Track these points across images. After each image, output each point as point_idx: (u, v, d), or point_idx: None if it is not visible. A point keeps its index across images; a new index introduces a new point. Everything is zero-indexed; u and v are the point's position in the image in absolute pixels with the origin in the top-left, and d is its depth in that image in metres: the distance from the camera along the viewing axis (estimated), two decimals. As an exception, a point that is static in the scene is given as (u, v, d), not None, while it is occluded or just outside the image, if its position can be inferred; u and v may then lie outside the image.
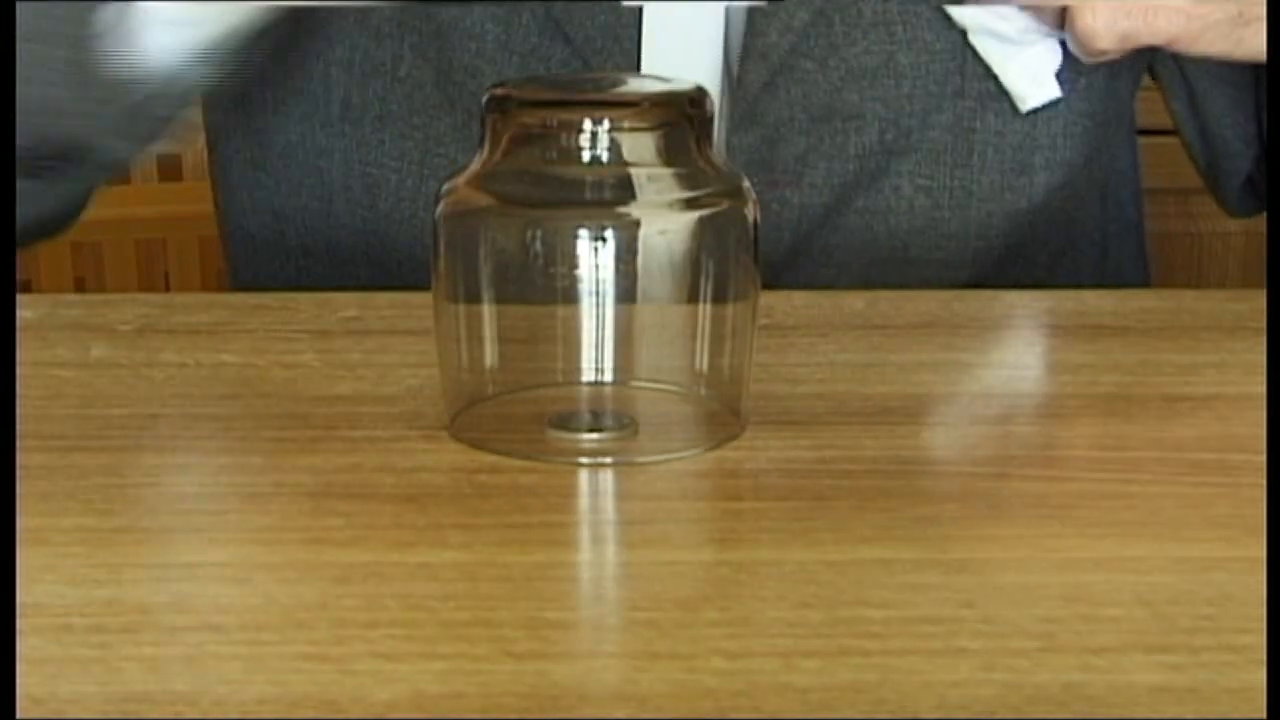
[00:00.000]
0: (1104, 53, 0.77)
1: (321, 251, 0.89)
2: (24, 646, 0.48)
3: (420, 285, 0.78)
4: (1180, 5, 0.77)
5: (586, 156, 0.60)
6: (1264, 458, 0.59)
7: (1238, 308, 0.74)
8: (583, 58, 0.83)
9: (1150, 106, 0.95)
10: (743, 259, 0.61)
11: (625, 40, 0.82)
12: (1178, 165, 0.95)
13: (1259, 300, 0.75)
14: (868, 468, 0.59)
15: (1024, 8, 0.81)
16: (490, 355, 0.62)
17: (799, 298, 0.78)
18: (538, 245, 0.60)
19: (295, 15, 0.79)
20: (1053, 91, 0.85)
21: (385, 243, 0.87)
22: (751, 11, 0.83)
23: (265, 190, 0.90)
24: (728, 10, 0.84)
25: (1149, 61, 0.91)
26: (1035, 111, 0.86)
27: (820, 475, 0.59)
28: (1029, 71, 0.85)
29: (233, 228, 0.93)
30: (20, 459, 0.59)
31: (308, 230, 0.89)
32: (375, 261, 0.88)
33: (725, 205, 0.61)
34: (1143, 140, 1.00)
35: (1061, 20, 0.79)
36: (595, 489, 0.59)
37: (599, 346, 0.62)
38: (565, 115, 0.60)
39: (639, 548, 0.54)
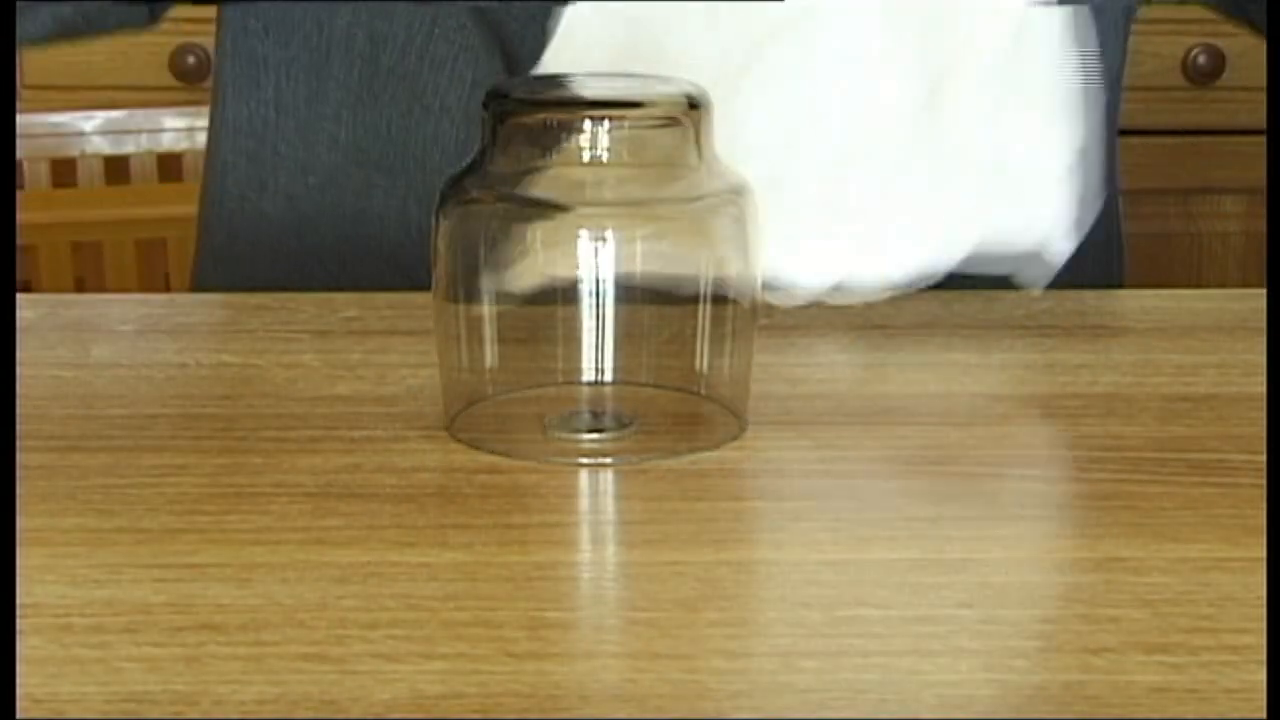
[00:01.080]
0: None
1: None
2: (24, 646, 0.48)
3: (402, 285, 0.78)
4: None
5: (586, 156, 0.60)
6: (1264, 458, 0.59)
7: (1238, 308, 0.74)
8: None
9: (1151, 107, 0.95)
10: (743, 259, 0.61)
11: None
12: (1178, 165, 0.96)
13: (1259, 300, 0.76)
14: (868, 468, 0.60)
15: None
16: (490, 355, 0.62)
17: (799, 298, 0.78)
18: (538, 245, 0.60)
19: None
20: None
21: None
22: None
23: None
24: None
25: None
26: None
27: (820, 475, 0.59)
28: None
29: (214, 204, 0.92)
30: (20, 459, 0.59)
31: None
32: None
33: (725, 205, 0.61)
34: (1142, 140, 1.00)
35: None
36: (595, 489, 0.59)
37: (599, 346, 0.62)
38: (565, 115, 0.60)
39: (639, 548, 0.54)
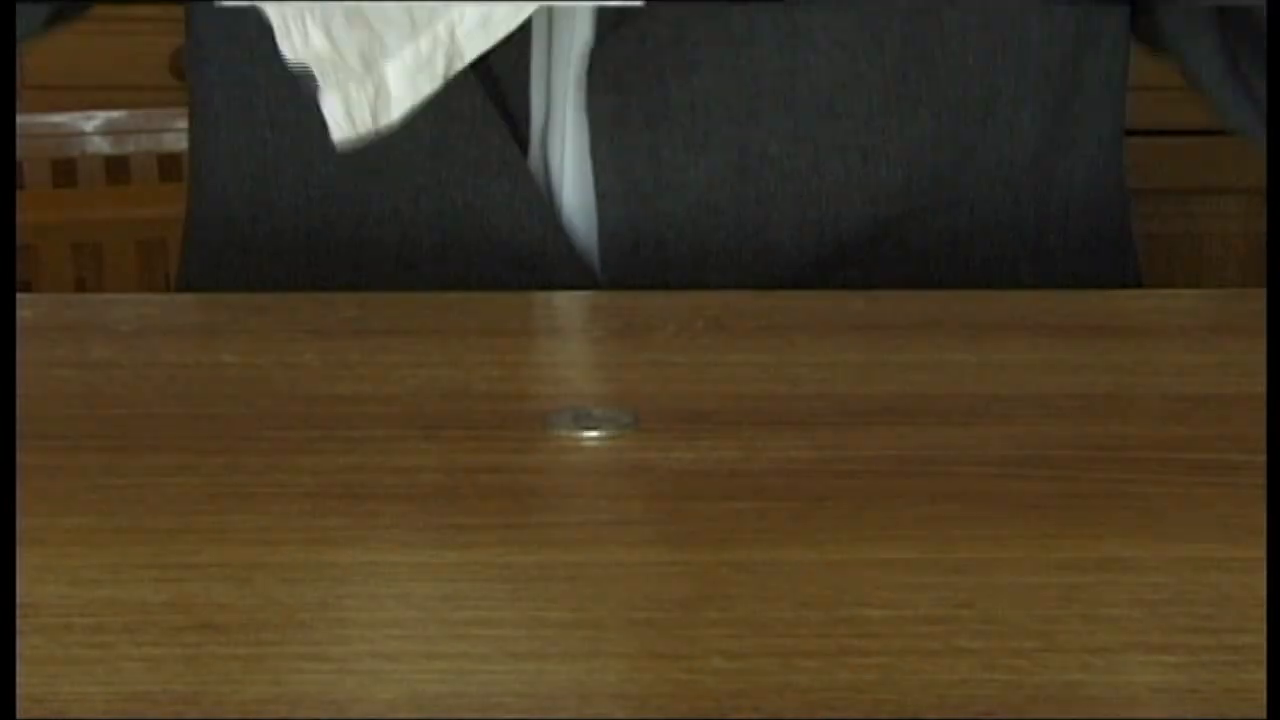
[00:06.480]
0: None
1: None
2: (24, 646, 0.48)
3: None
4: None
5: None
6: (1264, 458, 0.59)
7: (1238, 308, 0.74)
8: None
9: (1151, 107, 0.95)
10: None
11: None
12: (1177, 165, 0.96)
13: (1259, 300, 0.75)
14: (868, 468, 0.59)
15: None
16: None
17: (799, 298, 0.78)
18: None
19: None
20: None
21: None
22: None
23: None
24: None
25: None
26: None
27: (820, 475, 0.59)
28: None
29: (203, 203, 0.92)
30: (20, 459, 0.59)
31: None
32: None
33: None
34: (1142, 140, 0.99)
35: None
36: (595, 489, 0.59)
37: None
38: None
39: (639, 548, 0.54)
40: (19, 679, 0.46)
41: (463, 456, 0.60)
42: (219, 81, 0.90)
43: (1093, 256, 0.93)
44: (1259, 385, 0.65)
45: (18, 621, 0.49)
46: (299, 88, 0.83)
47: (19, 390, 0.65)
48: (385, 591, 0.51)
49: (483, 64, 0.81)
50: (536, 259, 0.82)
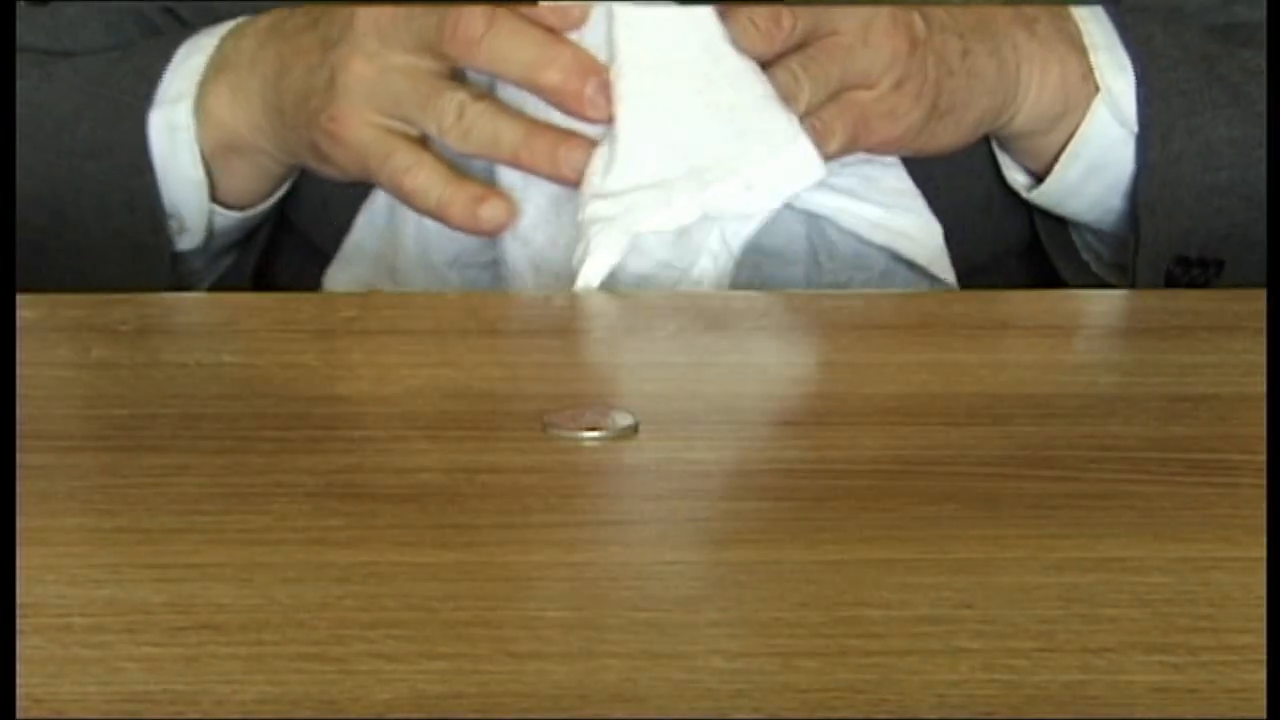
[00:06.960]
0: (831, 156, 0.79)
1: None
2: (24, 646, 0.48)
3: None
4: (888, 109, 0.79)
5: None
6: (1264, 458, 0.59)
7: (1238, 308, 0.74)
8: None
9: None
10: None
11: None
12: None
13: (1259, 300, 0.75)
14: (868, 468, 0.59)
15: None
16: None
17: (799, 298, 0.78)
18: None
19: None
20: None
21: None
22: None
23: None
24: None
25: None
26: None
27: (820, 475, 0.59)
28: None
29: None
30: (20, 459, 0.59)
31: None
32: None
33: None
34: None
35: None
36: (595, 489, 0.59)
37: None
38: None
39: (639, 548, 0.54)
40: (19, 679, 0.46)
41: (463, 456, 0.60)
42: None
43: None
44: (1259, 385, 0.65)
45: (18, 621, 0.49)
46: None
47: (19, 390, 0.65)
48: (385, 591, 0.51)
49: None
50: None
